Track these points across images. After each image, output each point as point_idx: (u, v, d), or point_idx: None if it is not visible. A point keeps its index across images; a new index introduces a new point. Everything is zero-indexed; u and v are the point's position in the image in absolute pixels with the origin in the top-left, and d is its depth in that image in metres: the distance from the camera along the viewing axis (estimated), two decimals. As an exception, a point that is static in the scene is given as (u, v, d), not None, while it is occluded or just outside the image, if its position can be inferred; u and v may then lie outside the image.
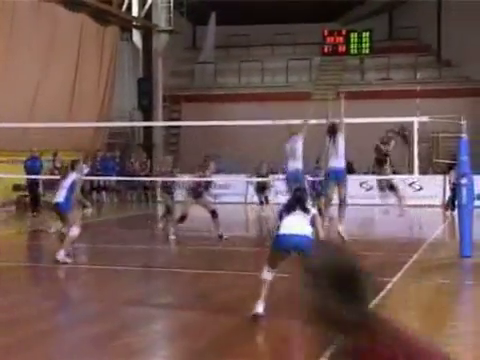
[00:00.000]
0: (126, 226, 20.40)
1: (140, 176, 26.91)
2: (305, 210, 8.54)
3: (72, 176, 13.31)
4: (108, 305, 9.45)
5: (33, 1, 24.31)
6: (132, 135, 32.73)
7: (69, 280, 12.09)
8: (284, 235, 8.43)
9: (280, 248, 8.52)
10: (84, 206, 14.77)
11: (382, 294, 9.83)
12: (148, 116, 32.23)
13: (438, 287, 10.76)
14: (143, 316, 9.09)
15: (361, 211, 21.87)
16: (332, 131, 14.63)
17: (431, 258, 13.37)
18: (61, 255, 12.39)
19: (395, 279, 10.87)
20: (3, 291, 8.81)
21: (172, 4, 32.37)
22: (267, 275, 8.55)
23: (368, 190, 24.68)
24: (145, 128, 32.79)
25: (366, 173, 24.64)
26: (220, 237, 15.76)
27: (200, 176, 15.90)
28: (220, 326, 8.36)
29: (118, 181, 27.63)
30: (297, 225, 8.41)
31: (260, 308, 8.44)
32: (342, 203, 14.88)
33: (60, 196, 13.06)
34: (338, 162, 14.65)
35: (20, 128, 20.63)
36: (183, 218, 15.95)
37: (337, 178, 14.71)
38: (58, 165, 23.17)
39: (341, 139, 14.60)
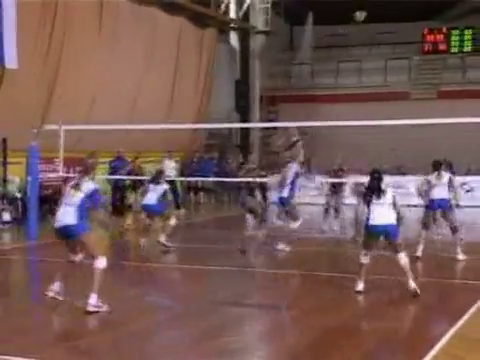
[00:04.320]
0: (223, 226, 20.49)
1: (237, 177, 26.90)
2: None
3: (164, 186, 14.83)
4: (205, 304, 9.52)
5: (134, 5, 24.78)
6: (229, 136, 32.91)
7: (165, 279, 12.25)
8: None
9: None
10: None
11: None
12: (245, 117, 32.37)
13: None
14: (240, 316, 9.11)
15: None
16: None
17: None
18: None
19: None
20: (103, 290, 9.00)
21: (270, 5, 32.44)
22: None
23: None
24: (242, 129, 32.93)
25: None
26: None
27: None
28: (316, 328, 8.31)
29: (215, 182, 27.77)
30: None
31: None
32: None
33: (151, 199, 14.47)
34: None
35: (123, 130, 21.01)
36: None
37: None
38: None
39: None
